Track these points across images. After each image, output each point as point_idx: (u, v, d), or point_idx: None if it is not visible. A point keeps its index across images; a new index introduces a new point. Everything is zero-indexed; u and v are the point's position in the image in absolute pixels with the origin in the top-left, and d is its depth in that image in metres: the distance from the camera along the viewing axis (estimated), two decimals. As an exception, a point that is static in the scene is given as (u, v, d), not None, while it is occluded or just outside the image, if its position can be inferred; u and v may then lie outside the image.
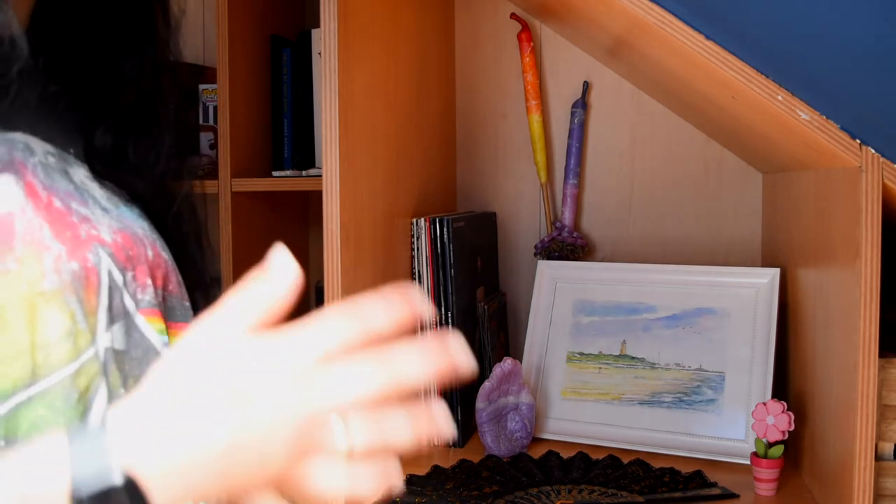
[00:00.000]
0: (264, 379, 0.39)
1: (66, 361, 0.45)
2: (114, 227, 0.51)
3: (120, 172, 0.57)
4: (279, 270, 0.42)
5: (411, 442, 0.41)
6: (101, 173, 0.55)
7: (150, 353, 0.52)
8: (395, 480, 0.41)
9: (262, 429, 0.39)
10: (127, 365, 0.50)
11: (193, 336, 0.41)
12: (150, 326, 0.52)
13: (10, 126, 0.49)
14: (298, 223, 1.54)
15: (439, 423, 0.42)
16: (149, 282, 0.52)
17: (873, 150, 0.85)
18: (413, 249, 1.20)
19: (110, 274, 0.49)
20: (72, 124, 0.56)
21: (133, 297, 0.51)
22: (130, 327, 0.51)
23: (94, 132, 0.56)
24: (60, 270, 0.46)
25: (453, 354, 0.42)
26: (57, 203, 0.48)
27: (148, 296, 0.52)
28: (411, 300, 0.42)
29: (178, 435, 0.38)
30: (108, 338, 0.48)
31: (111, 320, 0.49)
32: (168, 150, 0.60)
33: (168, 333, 0.55)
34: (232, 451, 0.39)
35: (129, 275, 0.51)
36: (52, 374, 0.45)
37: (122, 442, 0.37)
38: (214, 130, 1.37)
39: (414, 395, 0.41)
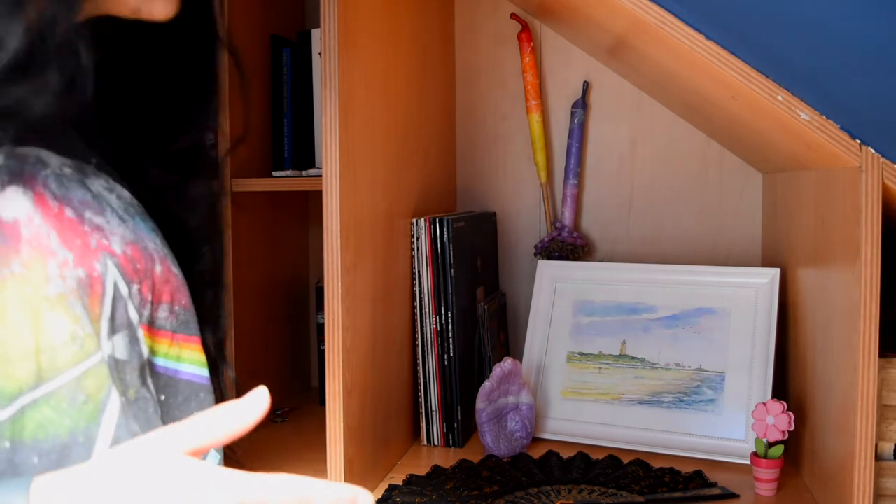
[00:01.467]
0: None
1: (72, 364, 0.46)
2: (127, 238, 0.52)
3: (171, 205, 0.58)
4: (251, 406, 0.42)
5: None
6: (153, 206, 0.57)
7: (146, 366, 0.53)
8: None
9: None
10: (128, 375, 0.51)
11: (138, 447, 0.41)
12: (145, 341, 0.53)
13: (25, 141, 0.50)
14: (298, 223, 1.54)
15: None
16: (149, 297, 0.53)
17: (873, 150, 0.85)
18: (413, 249, 1.20)
19: (116, 285, 0.50)
20: (94, 136, 0.57)
21: (137, 309, 0.52)
22: (133, 338, 0.52)
23: (149, 169, 0.59)
24: (66, 276, 0.47)
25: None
26: (69, 212, 0.49)
27: (146, 311, 0.53)
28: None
29: None
30: (110, 346, 0.49)
31: (113, 330, 0.50)
32: (216, 188, 0.62)
33: (181, 347, 0.57)
34: None
35: (135, 287, 0.52)
36: (57, 376, 0.45)
37: None
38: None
39: None
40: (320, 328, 1.44)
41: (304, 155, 1.34)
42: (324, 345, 0.96)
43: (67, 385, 0.46)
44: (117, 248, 0.51)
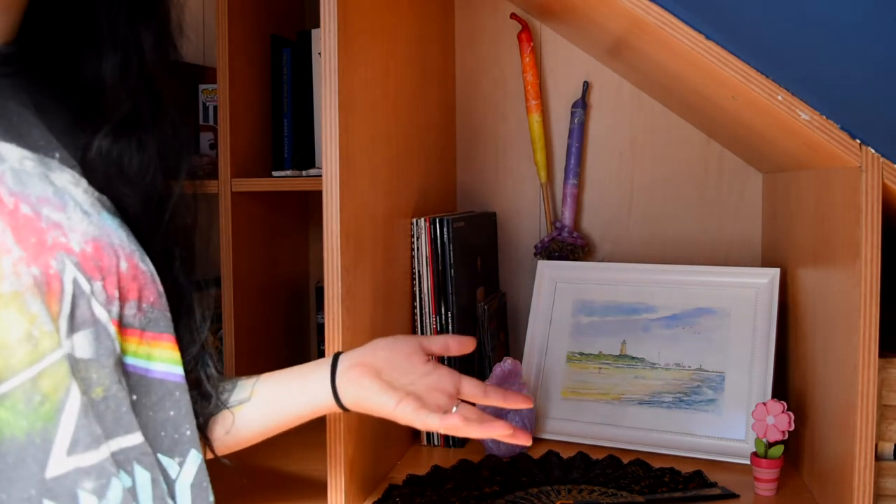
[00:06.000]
0: None
1: (28, 364, 0.45)
2: (88, 234, 0.51)
3: (113, 181, 0.57)
4: (465, 342, 0.67)
5: None
6: (95, 182, 0.56)
7: (119, 364, 0.52)
8: None
9: None
10: (95, 374, 0.50)
11: None
12: (118, 338, 0.52)
13: None
14: (298, 223, 1.54)
15: None
16: (116, 294, 0.52)
17: (873, 150, 0.85)
18: (413, 249, 1.20)
19: (76, 282, 0.49)
20: (60, 130, 0.57)
21: (104, 306, 0.51)
22: (101, 335, 0.50)
23: (89, 140, 0.57)
24: (20, 273, 0.46)
25: None
26: (25, 209, 0.48)
27: (115, 307, 0.52)
28: None
29: None
30: (69, 345, 0.48)
31: (73, 328, 0.49)
32: (161, 161, 0.60)
33: (150, 345, 0.56)
34: None
35: (98, 284, 0.51)
36: (12, 376, 0.45)
37: None
38: (214, 130, 1.37)
39: None
40: (320, 328, 1.44)
41: (304, 155, 1.34)
42: (324, 345, 0.96)
43: (23, 385, 0.45)
44: (76, 245, 0.50)
